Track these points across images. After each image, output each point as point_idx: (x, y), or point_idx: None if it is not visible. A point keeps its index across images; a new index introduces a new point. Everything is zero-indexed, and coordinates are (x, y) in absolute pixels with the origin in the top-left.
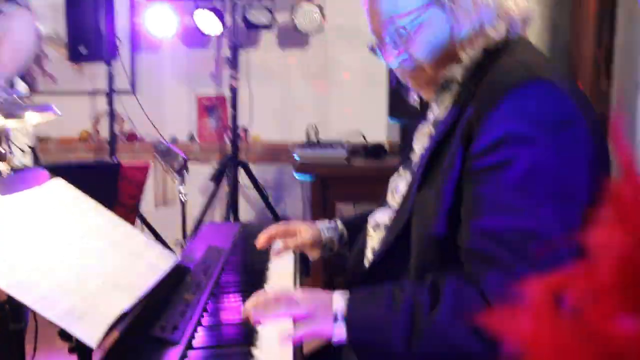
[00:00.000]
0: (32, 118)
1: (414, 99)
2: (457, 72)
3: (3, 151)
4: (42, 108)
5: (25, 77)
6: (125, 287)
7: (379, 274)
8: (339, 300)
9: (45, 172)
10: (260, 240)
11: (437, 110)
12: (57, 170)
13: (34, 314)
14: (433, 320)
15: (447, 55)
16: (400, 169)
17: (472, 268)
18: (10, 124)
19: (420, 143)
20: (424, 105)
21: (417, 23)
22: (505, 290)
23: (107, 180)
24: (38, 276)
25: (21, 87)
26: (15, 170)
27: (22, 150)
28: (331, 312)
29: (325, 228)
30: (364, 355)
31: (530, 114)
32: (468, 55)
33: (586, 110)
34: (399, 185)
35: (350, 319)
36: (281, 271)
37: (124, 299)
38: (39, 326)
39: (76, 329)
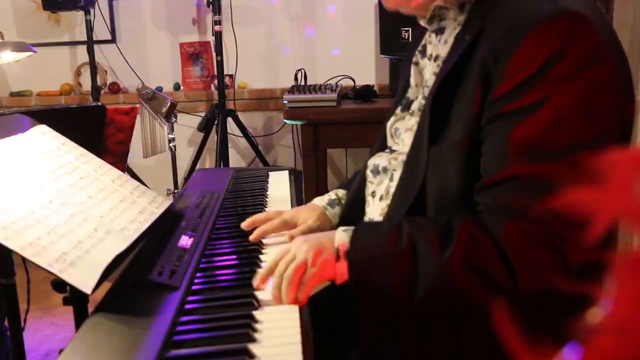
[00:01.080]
0: (7, 57)
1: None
2: None
3: None
4: (20, 47)
5: None
6: (118, 232)
7: None
8: (341, 236)
9: (28, 118)
10: (255, 235)
11: (438, 44)
12: (39, 116)
13: (26, 269)
14: (441, 260)
15: None
16: (398, 110)
17: (489, 214)
18: None
19: (417, 80)
20: (417, 35)
21: None
22: (523, 243)
23: (93, 125)
24: (25, 223)
25: None
26: None
27: None
28: (333, 254)
29: (328, 205)
30: (366, 302)
31: (556, 53)
32: None
33: (614, 44)
34: (399, 128)
35: (352, 257)
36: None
37: (118, 244)
38: (31, 283)
39: (68, 275)
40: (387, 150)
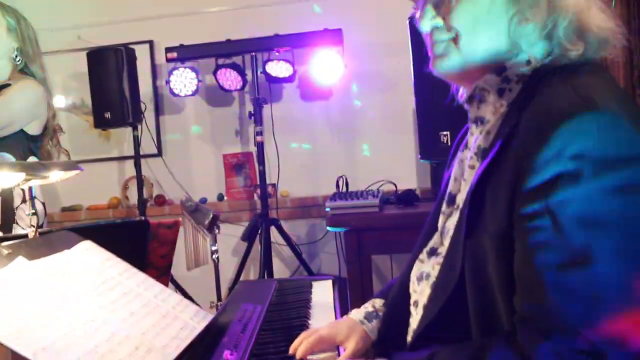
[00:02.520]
0: (56, 176)
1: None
2: (491, 82)
3: (29, 213)
4: (68, 166)
5: (41, 150)
6: (160, 350)
7: (430, 336)
8: None
9: (73, 234)
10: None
11: (478, 134)
12: (84, 232)
13: None
14: None
15: (491, 50)
16: (444, 207)
17: (523, 335)
18: (34, 182)
19: (460, 172)
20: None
21: None
22: None
23: (136, 239)
24: (67, 342)
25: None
26: (42, 233)
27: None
28: None
29: (365, 319)
30: None
31: (587, 150)
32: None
33: None
34: (448, 226)
35: None
36: None
37: None
38: None
39: None
40: (430, 251)
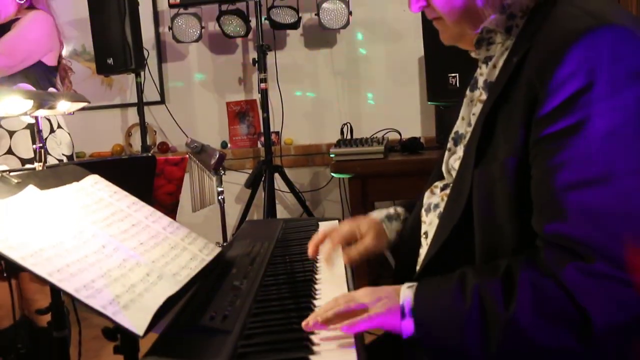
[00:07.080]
0: (63, 107)
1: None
2: (499, 22)
3: (36, 147)
4: (76, 97)
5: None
6: (170, 277)
7: (437, 266)
8: (406, 293)
9: (81, 169)
10: (311, 249)
11: (486, 70)
12: (92, 166)
13: (78, 322)
14: (510, 318)
15: (468, 12)
16: (450, 145)
17: (548, 255)
18: (41, 112)
19: (469, 110)
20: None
21: None
22: (588, 281)
23: (144, 175)
24: (80, 267)
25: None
26: (49, 166)
27: (58, 160)
28: (398, 306)
29: (386, 218)
30: (436, 355)
31: (603, 66)
32: (491, 16)
33: None
34: (451, 162)
35: (418, 316)
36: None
37: (170, 288)
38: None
39: (121, 318)
40: (443, 187)
